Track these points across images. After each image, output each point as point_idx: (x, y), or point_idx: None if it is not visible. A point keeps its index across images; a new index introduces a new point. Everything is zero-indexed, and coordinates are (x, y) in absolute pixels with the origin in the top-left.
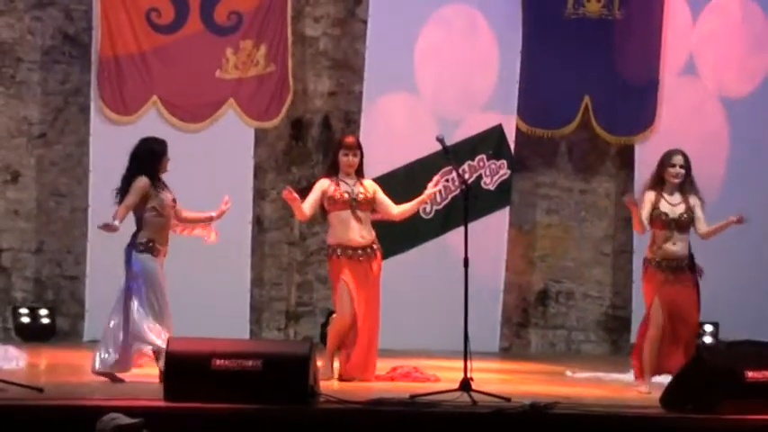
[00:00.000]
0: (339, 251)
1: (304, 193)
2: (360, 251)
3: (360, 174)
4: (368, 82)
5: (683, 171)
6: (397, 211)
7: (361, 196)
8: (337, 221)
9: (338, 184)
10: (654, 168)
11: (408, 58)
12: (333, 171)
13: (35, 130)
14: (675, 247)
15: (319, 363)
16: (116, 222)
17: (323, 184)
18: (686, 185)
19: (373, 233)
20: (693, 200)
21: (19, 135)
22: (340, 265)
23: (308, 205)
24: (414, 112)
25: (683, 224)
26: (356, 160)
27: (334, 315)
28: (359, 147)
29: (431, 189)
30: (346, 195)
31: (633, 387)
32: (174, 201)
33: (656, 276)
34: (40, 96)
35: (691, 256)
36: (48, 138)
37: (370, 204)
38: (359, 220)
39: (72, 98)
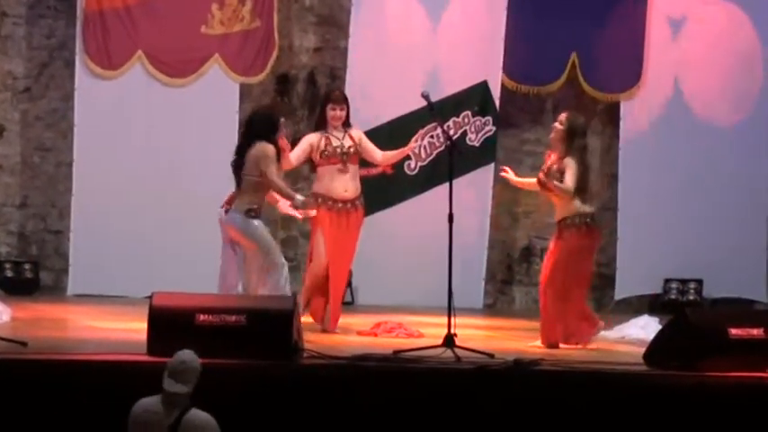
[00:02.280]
0: (320, 200)
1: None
2: (340, 204)
3: (346, 125)
4: (353, 38)
5: (561, 128)
6: (382, 156)
7: (351, 149)
8: (325, 174)
9: (329, 139)
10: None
11: (393, 13)
12: (321, 125)
13: (20, 85)
14: None
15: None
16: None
17: (311, 139)
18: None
19: (359, 188)
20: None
21: (3, 89)
22: (319, 213)
23: (294, 155)
24: (398, 68)
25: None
26: (343, 114)
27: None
28: (345, 100)
29: (414, 142)
30: (338, 150)
31: None
32: None
33: None
34: (25, 51)
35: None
36: (32, 92)
37: (359, 156)
38: (347, 173)
39: (57, 53)
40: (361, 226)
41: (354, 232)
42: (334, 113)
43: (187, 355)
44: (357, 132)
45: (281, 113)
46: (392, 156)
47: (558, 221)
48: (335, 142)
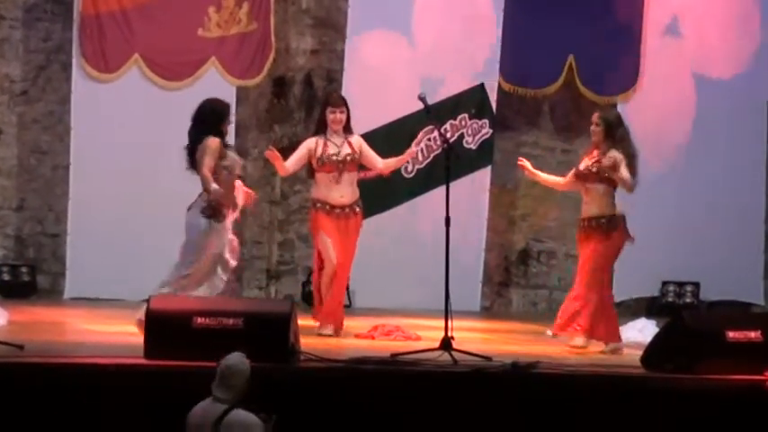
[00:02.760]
0: (319, 205)
1: (286, 152)
2: (338, 210)
3: (347, 130)
4: (350, 40)
5: (599, 128)
6: (382, 164)
7: (348, 158)
8: (322, 180)
9: (326, 145)
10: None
11: (390, 16)
12: (320, 129)
13: (17, 88)
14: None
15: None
16: (215, 186)
17: (310, 144)
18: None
19: (357, 193)
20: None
21: (0, 93)
22: (318, 218)
23: (290, 162)
24: (396, 70)
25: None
26: (343, 117)
27: (312, 274)
28: (345, 103)
29: (415, 146)
30: (334, 158)
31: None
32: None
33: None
34: (22, 54)
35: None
36: (29, 95)
37: (357, 164)
38: (343, 181)
39: (54, 56)
40: (360, 229)
41: (353, 236)
42: (333, 116)
43: (234, 359)
44: (357, 140)
45: (225, 102)
46: (393, 163)
47: (600, 218)
48: (332, 149)
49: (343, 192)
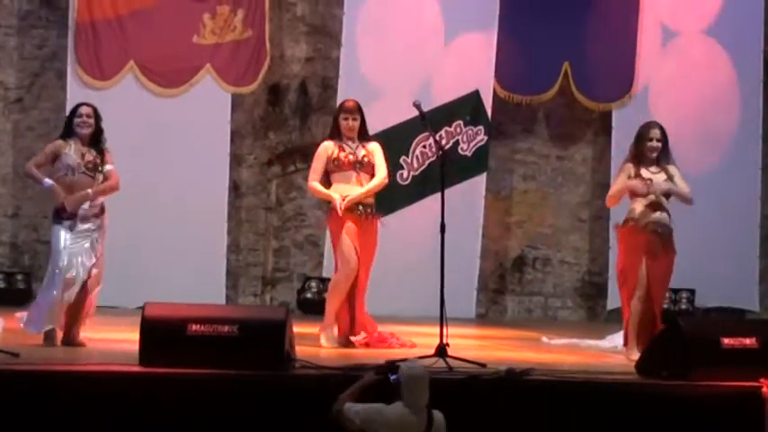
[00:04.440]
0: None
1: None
2: (361, 207)
3: (362, 137)
4: (345, 47)
5: (659, 144)
6: (374, 181)
7: (365, 159)
8: (341, 180)
9: (341, 148)
10: (632, 142)
11: (385, 23)
12: (334, 136)
13: (12, 95)
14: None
15: (322, 336)
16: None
17: (327, 148)
18: (663, 156)
19: (373, 199)
20: (672, 169)
21: None
22: (344, 217)
23: (315, 172)
24: (390, 77)
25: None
26: (356, 124)
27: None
28: (359, 110)
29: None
30: (351, 157)
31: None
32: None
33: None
34: (17, 61)
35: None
36: (24, 103)
37: (373, 168)
38: (360, 182)
39: (49, 63)
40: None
41: (372, 237)
42: (346, 123)
43: (417, 370)
44: (374, 146)
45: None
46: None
47: (668, 226)
48: (348, 150)
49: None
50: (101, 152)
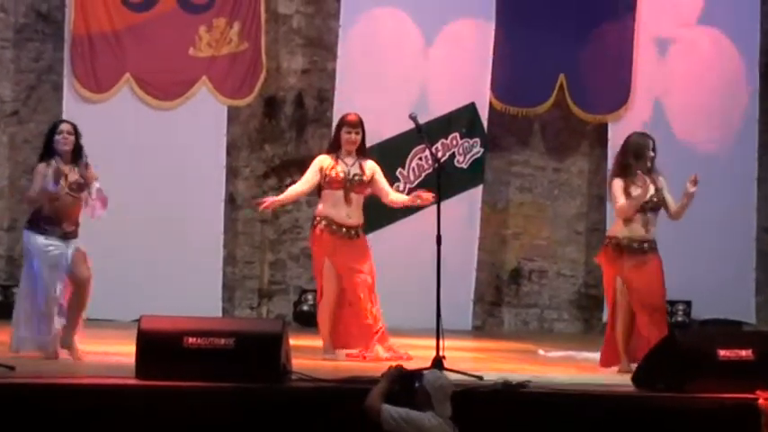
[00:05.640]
0: (324, 223)
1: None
2: (344, 229)
3: (361, 153)
4: (341, 59)
5: (654, 154)
6: (390, 199)
7: (357, 178)
8: (329, 198)
9: (336, 162)
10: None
11: (381, 35)
12: (334, 148)
13: (8, 108)
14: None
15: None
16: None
17: (322, 161)
18: (651, 168)
19: (362, 218)
20: (661, 181)
21: None
22: (323, 237)
23: (304, 180)
24: (387, 89)
25: (655, 206)
26: (358, 138)
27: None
28: (361, 125)
29: (430, 195)
30: (342, 175)
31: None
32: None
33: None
34: (13, 74)
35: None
36: (20, 115)
37: (366, 187)
38: (350, 201)
39: (45, 76)
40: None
41: (363, 250)
42: (348, 137)
43: (444, 380)
44: (372, 165)
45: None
46: (399, 202)
47: (653, 242)
48: (342, 167)
49: (351, 212)
50: (83, 168)
